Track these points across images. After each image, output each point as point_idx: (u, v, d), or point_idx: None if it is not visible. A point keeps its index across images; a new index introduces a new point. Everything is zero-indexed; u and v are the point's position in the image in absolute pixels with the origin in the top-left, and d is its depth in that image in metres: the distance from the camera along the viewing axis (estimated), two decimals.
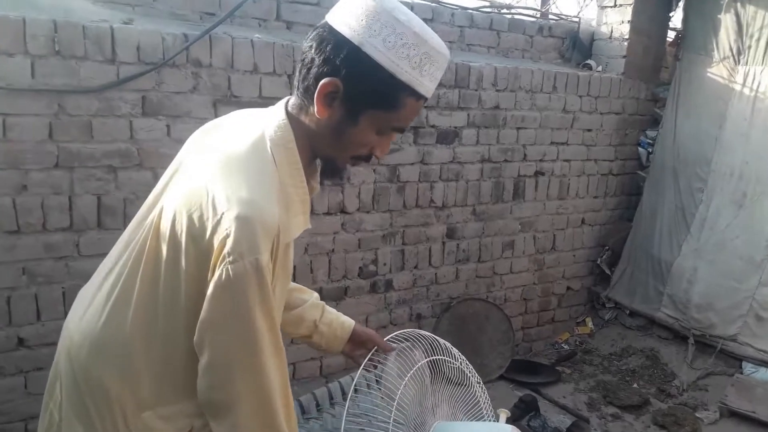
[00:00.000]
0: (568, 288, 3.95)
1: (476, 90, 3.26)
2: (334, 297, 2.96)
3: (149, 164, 2.40)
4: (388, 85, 1.00)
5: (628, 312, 3.86)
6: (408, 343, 1.40)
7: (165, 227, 1.03)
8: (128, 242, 1.12)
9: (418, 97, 1.04)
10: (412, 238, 3.18)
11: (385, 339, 1.41)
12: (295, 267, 2.79)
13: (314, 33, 1.04)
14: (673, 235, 3.67)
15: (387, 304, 3.15)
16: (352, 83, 1.00)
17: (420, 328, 3.21)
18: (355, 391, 1.28)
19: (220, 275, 0.94)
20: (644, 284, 3.76)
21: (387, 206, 3.05)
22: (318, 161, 1.16)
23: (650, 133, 4.06)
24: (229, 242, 0.93)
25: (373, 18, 0.98)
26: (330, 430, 1.41)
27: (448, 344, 1.44)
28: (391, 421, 1.16)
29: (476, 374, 1.47)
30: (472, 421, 1.39)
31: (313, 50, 1.02)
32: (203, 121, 2.56)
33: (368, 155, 1.11)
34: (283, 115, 1.08)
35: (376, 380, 1.28)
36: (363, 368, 1.30)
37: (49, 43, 2.14)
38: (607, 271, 3.97)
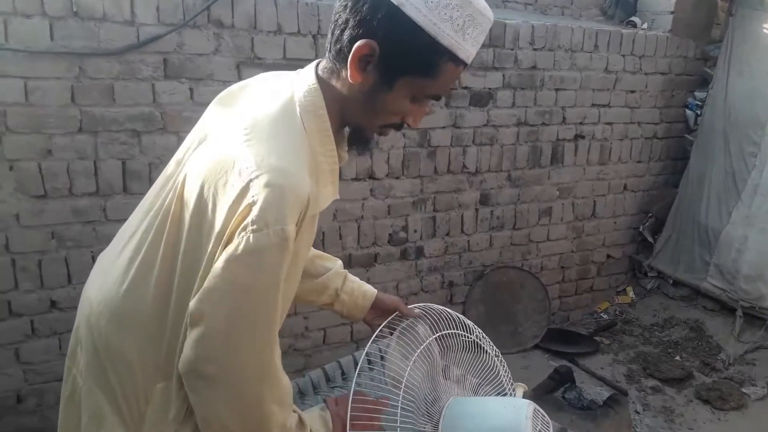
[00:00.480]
0: (608, 256, 3.80)
1: (512, 49, 3.11)
2: (363, 264, 2.90)
3: (173, 128, 2.36)
4: (427, 49, 0.94)
5: (671, 281, 3.69)
6: (420, 311, 1.33)
7: (189, 194, 0.98)
8: (150, 208, 1.07)
9: (458, 62, 0.97)
10: (444, 205, 3.08)
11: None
12: (323, 233, 2.75)
13: None
14: (722, 202, 3.46)
15: (418, 272, 3.08)
16: (389, 46, 0.94)
17: (452, 296, 3.17)
18: (369, 362, 1.22)
19: (239, 244, 0.89)
20: (689, 253, 3.58)
21: (417, 172, 2.95)
22: (346, 129, 1.10)
23: (699, 94, 3.82)
24: (255, 210, 0.88)
25: None
26: None
27: (462, 317, 1.36)
28: (399, 409, 1.10)
29: (494, 347, 1.38)
30: (491, 395, 1.32)
31: (347, 10, 0.95)
32: (226, 83, 2.50)
33: (400, 123, 1.06)
34: (313, 79, 1.02)
35: (381, 356, 1.22)
36: (379, 333, 1.24)
37: (66, 3, 2.10)
38: (650, 239, 3.80)
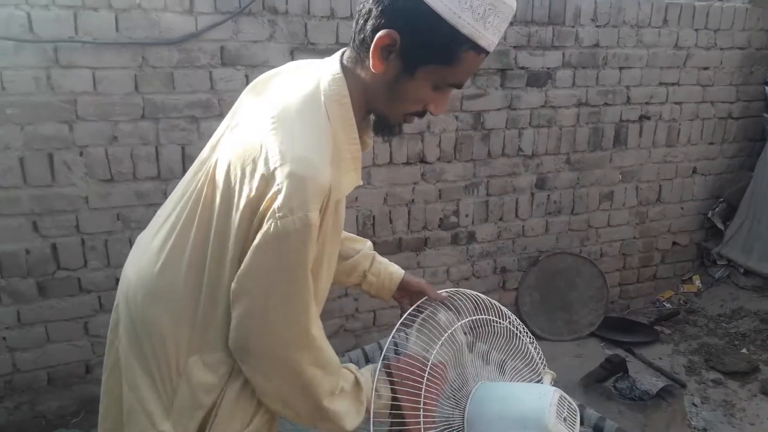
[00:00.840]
0: (674, 243, 3.64)
1: (573, 26, 3.00)
2: (413, 248, 2.92)
3: (228, 113, 2.43)
4: (448, 37, 0.95)
5: (742, 270, 3.50)
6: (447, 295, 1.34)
7: (220, 177, 1.03)
8: (185, 191, 1.13)
9: (480, 50, 0.98)
10: (498, 189, 3.04)
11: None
12: (374, 217, 2.78)
13: None
14: None
15: (469, 257, 3.07)
16: (410, 36, 0.96)
17: (504, 282, 3.15)
18: (396, 345, 1.24)
19: (268, 228, 0.95)
20: (764, 240, 3.37)
21: (470, 155, 2.92)
22: (371, 116, 1.12)
23: None
24: (280, 197, 0.93)
25: None
26: None
27: (496, 303, 1.36)
28: (422, 396, 1.12)
29: (528, 333, 1.38)
30: (522, 381, 1.32)
31: (370, 1, 0.97)
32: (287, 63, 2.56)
33: (423, 111, 1.07)
34: (337, 68, 1.05)
35: (404, 344, 1.24)
36: (407, 317, 1.25)
37: None
38: (720, 226, 3.60)
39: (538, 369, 1.36)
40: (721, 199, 3.61)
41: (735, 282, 3.52)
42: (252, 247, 0.97)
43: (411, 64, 0.98)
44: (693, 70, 3.36)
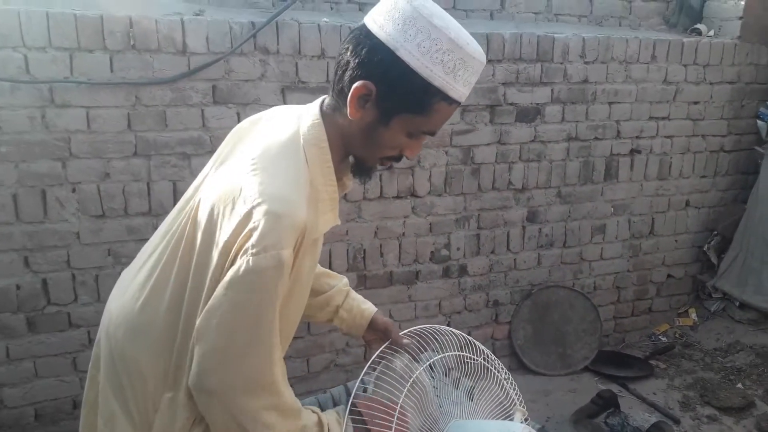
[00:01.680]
0: (669, 276, 3.63)
1: (561, 63, 3.05)
2: (404, 281, 2.93)
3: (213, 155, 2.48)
4: (420, 89, 1.01)
5: (737, 304, 3.48)
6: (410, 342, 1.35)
7: (201, 217, 1.07)
8: (168, 230, 1.18)
9: (451, 101, 1.05)
10: (489, 222, 3.06)
11: (401, 333, 1.37)
12: (364, 251, 2.80)
13: (351, 35, 1.06)
14: None
15: (461, 290, 3.07)
16: (385, 87, 1.02)
17: (497, 316, 3.15)
18: (364, 391, 1.25)
19: (240, 265, 0.97)
20: (758, 273, 3.36)
21: (460, 189, 2.95)
22: (350, 159, 1.18)
23: None
24: (256, 235, 0.96)
25: (409, 23, 0.99)
26: None
27: (470, 338, 1.37)
28: None
29: (503, 369, 1.38)
30: (497, 419, 1.32)
31: (349, 52, 1.04)
32: (272, 107, 2.63)
33: (398, 156, 1.13)
34: (317, 114, 1.11)
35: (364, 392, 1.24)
36: (371, 363, 1.27)
37: (125, 38, 2.26)
38: (713, 260, 3.60)
39: (513, 405, 1.36)
40: (716, 232, 3.62)
41: (731, 315, 3.50)
42: (222, 283, 0.99)
43: (386, 113, 1.04)
44: (683, 105, 3.40)
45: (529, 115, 3.03)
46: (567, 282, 3.32)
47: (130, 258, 2.43)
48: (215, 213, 1.03)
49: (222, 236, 1.01)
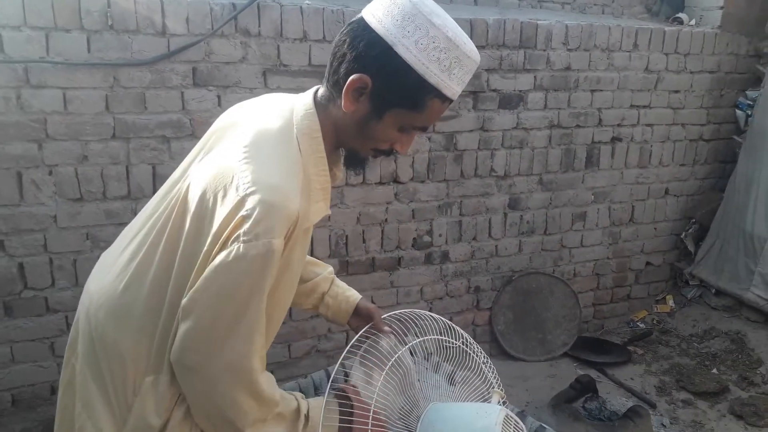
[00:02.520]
0: (648, 263, 3.68)
1: (544, 50, 3.05)
2: (387, 267, 2.94)
3: (201, 134, 2.34)
4: (415, 86, 1.02)
5: (714, 291, 3.54)
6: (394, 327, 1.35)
7: (191, 201, 1.06)
8: (153, 212, 1.16)
9: (444, 99, 1.06)
10: (471, 209, 3.07)
11: (383, 317, 1.38)
12: (347, 237, 2.80)
13: (348, 28, 1.06)
14: None
15: (443, 276, 3.09)
16: (380, 81, 1.03)
17: (478, 302, 3.16)
18: (345, 375, 1.25)
19: (231, 251, 0.97)
20: (734, 261, 3.42)
21: (443, 176, 2.95)
22: (342, 150, 1.18)
23: (751, 93, 3.63)
24: (248, 222, 0.96)
25: (408, 19, 0.99)
26: None
27: (449, 322, 1.38)
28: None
29: (481, 353, 1.39)
30: (476, 401, 1.33)
31: (346, 45, 1.04)
32: (253, 90, 2.57)
33: (390, 150, 1.14)
34: (310, 104, 1.11)
35: (345, 378, 1.25)
36: (351, 346, 1.27)
37: (102, 18, 2.22)
38: (690, 247, 3.65)
39: (491, 388, 1.38)
40: (694, 220, 3.67)
41: (707, 302, 3.56)
42: (212, 266, 0.99)
43: (380, 107, 1.05)
44: (664, 93, 3.43)
45: (511, 102, 3.03)
46: (547, 269, 3.35)
47: (109, 242, 2.39)
48: (206, 199, 1.03)
49: (214, 223, 1.00)
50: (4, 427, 2.32)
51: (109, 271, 1.16)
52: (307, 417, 1.14)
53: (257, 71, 2.50)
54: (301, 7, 2.52)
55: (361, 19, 1.05)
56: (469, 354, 1.39)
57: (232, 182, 1.00)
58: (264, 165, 1.01)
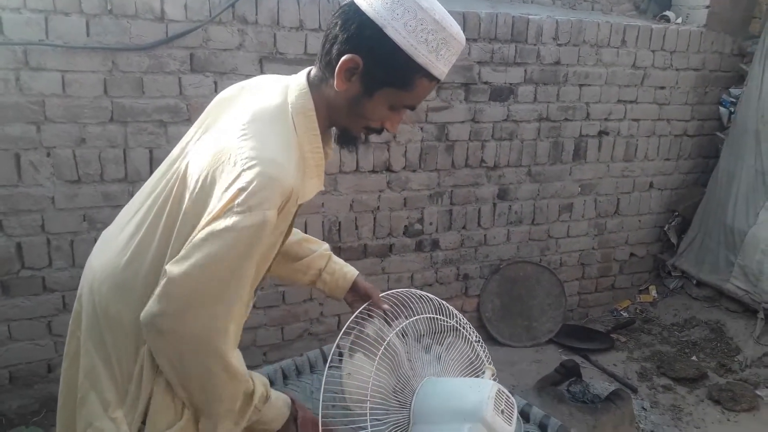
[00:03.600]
0: (632, 254, 3.77)
1: (535, 44, 3.12)
2: (378, 254, 3.00)
3: (197, 119, 2.49)
4: (404, 66, 1.06)
5: (695, 282, 3.64)
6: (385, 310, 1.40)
7: (190, 179, 1.09)
8: (153, 189, 1.19)
9: (432, 78, 1.09)
10: (461, 198, 3.14)
11: (381, 295, 1.43)
12: (339, 223, 2.85)
13: (341, 11, 1.09)
14: (750, 202, 3.39)
15: (433, 263, 3.15)
16: (371, 61, 1.06)
17: (467, 289, 3.23)
18: (340, 355, 1.31)
19: (221, 221, 0.99)
20: (714, 253, 3.52)
21: (434, 165, 3.01)
22: (333, 129, 1.22)
23: (734, 91, 3.73)
24: (244, 194, 0.98)
25: (397, 2, 1.03)
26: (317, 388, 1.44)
27: (443, 302, 1.44)
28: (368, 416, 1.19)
29: (473, 331, 1.45)
30: (468, 376, 1.39)
31: (338, 27, 1.08)
32: (249, 77, 2.60)
33: (380, 128, 1.18)
34: (304, 84, 1.14)
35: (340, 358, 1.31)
36: (346, 328, 1.32)
37: (102, 2, 2.25)
38: (673, 240, 3.75)
39: (483, 364, 1.44)
40: (677, 213, 3.77)
41: (688, 293, 3.67)
42: (199, 236, 0.99)
43: (370, 86, 1.09)
44: (650, 89, 3.51)
45: (502, 94, 3.10)
46: (534, 258, 3.43)
47: (105, 224, 2.43)
48: (204, 176, 1.05)
49: (212, 199, 1.03)
50: (1, 404, 2.36)
51: (111, 248, 1.19)
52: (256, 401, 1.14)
53: (254, 58, 2.54)
54: None
55: (353, 3, 1.08)
56: (461, 332, 1.44)
57: (230, 159, 1.03)
58: (261, 141, 1.04)
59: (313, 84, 1.15)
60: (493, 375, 1.40)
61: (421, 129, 2.94)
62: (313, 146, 1.14)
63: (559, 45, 3.18)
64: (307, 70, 1.18)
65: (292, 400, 1.24)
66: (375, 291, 1.45)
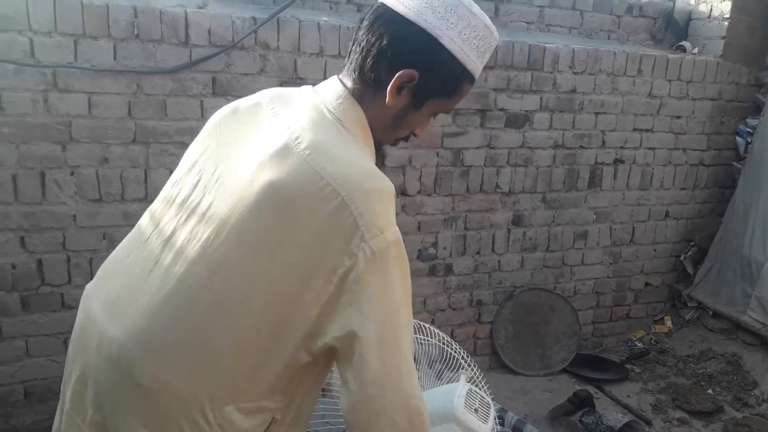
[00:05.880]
0: (647, 284, 3.74)
1: (551, 72, 3.15)
2: None
3: (192, 148, 2.54)
4: (457, 74, 1.05)
5: (711, 313, 3.60)
6: None
7: (258, 212, 0.97)
8: (169, 238, 1.07)
9: (473, 81, 1.09)
10: (475, 224, 3.14)
11: None
12: None
13: (381, 22, 1.03)
14: (767, 233, 3.36)
15: (446, 288, 3.15)
16: (426, 73, 1.03)
17: (480, 315, 3.22)
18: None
19: (359, 259, 0.91)
20: (731, 284, 3.49)
21: (449, 190, 3.03)
22: None
23: (751, 121, 3.72)
24: (362, 220, 0.92)
25: (451, 11, 1.01)
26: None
27: (425, 324, 1.45)
28: None
29: (460, 349, 1.46)
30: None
31: (384, 40, 1.02)
32: (260, 90, 2.64)
33: (409, 135, 1.15)
34: (348, 95, 1.07)
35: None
36: None
37: (129, 27, 2.32)
38: (689, 270, 3.72)
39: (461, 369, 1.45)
40: (693, 243, 3.74)
41: (704, 324, 3.62)
42: (348, 289, 0.92)
43: (420, 98, 1.06)
44: (666, 118, 3.52)
45: (518, 121, 3.12)
46: (548, 285, 3.42)
47: None
48: (287, 208, 0.95)
49: (308, 235, 0.94)
50: (15, 419, 2.38)
51: (132, 310, 1.03)
52: None
53: (274, 83, 2.59)
54: (318, 23, 2.62)
55: (395, 12, 1.02)
56: (446, 350, 1.45)
57: (319, 184, 0.94)
58: (345, 158, 0.98)
59: (354, 97, 1.07)
60: (469, 379, 1.40)
61: (437, 154, 2.97)
62: (373, 157, 1.09)
63: (575, 73, 3.21)
64: (336, 80, 1.09)
65: None
66: None
